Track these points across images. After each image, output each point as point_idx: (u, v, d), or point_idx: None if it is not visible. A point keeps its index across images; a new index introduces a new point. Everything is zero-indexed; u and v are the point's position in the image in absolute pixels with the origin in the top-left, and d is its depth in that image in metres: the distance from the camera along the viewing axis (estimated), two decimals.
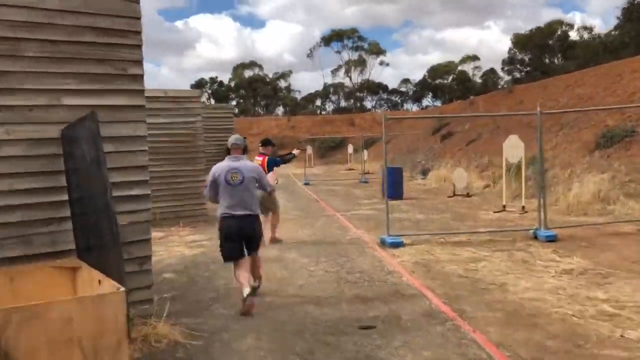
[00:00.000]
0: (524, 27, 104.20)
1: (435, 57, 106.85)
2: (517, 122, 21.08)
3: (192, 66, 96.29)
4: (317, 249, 8.31)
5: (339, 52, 61.12)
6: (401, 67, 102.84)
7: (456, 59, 62.79)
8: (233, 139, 5.47)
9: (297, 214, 12.73)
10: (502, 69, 49.81)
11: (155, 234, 9.35)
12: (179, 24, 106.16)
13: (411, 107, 61.65)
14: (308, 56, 63.62)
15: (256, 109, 63.07)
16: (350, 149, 35.79)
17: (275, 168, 8.34)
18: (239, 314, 5.06)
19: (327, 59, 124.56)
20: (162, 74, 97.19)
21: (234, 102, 62.73)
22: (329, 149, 45.50)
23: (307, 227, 10.72)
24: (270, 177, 6.86)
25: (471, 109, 30.41)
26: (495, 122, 23.60)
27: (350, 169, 34.35)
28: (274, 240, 8.72)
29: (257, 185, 5.45)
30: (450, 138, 27.16)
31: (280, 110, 63.01)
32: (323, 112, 61.92)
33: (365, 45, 59.85)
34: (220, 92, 60.27)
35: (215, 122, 17.58)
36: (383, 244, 8.42)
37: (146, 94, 4.91)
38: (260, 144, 8.63)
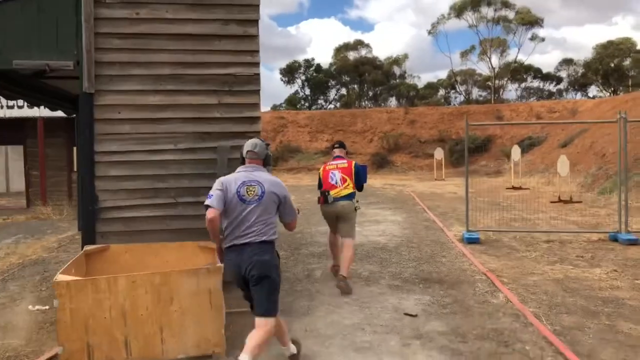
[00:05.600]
0: None
1: (555, 56, 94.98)
2: None
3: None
4: None
5: (474, 26, 46.25)
6: None
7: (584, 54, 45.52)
8: (250, 144, 3.88)
9: None
10: None
11: None
12: (291, 29, 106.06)
13: (573, 96, 45.57)
14: (430, 33, 49.35)
15: (362, 101, 49.94)
16: (515, 152, 21.46)
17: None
18: None
19: (455, 41, 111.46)
20: (275, 78, 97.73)
21: (333, 91, 50.11)
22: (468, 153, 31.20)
23: None
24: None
25: None
26: None
27: (516, 188, 20.16)
28: (344, 281, 5.91)
29: (277, 209, 3.78)
30: None
31: (392, 102, 49.55)
32: (448, 106, 47.24)
33: (511, 15, 44.48)
34: (316, 79, 47.67)
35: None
36: None
37: None
38: (337, 146, 6.74)
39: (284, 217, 3.89)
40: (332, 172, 6.47)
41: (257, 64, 5.09)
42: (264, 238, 3.66)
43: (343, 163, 6.52)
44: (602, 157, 19.85)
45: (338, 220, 6.43)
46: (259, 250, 3.62)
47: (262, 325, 3.57)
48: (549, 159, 25.67)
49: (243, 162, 3.92)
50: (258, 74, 5.10)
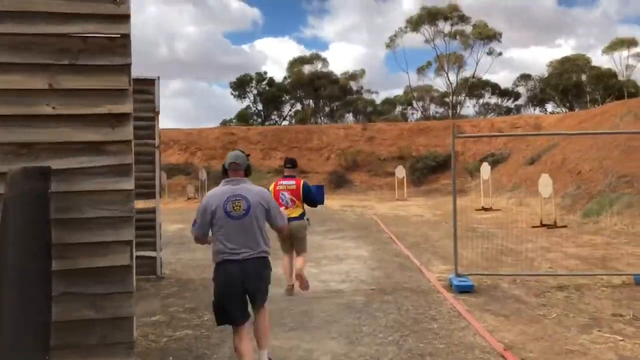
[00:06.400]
0: (597, 45, 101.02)
1: (502, 77, 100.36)
2: None
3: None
4: None
5: (430, 41, 45.07)
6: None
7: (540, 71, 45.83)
8: (232, 156, 3.99)
9: None
10: None
11: None
12: (245, 47, 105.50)
13: (532, 112, 44.80)
14: (387, 46, 47.74)
15: (318, 117, 47.87)
16: (484, 170, 19.77)
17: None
18: None
19: (413, 57, 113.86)
20: (229, 96, 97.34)
21: (287, 107, 47.65)
22: (428, 171, 29.60)
23: None
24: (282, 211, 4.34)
25: None
26: None
27: (486, 209, 18.44)
28: (291, 292, 6.62)
29: (265, 217, 3.92)
30: None
31: (349, 118, 47.62)
32: (407, 122, 45.69)
33: (469, 29, 43.47)
34: (269, 94, 45.02)
35: None
36: None
37: None
38: (289, 165, 6.76)
39: (275, 223, 4.00)
40: (282, 193, 6.51)
41: (124, 18, 2.77)
42: (261, 254, 3.85)
43: (292, 185, 6.54)
44: (577, 175, 18.32)
45: (292, 239, 6.49)
46: (261, 266, 3.86)
47: (263, 312, 4.06)
48: (517, 176, 24.16)
49: (225, 174, 3.96)
50: (128, 36, 2.78)
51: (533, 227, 13.49)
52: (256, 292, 3.88)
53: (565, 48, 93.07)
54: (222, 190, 3.85)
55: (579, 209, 15.23)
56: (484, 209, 18.63)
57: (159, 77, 8.39)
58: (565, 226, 13.33)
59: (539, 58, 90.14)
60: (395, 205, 21.99)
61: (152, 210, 8.35)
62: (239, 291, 3.79)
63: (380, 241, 11.47)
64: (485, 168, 19.66)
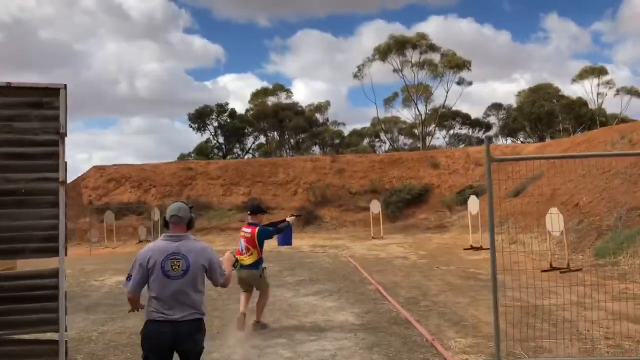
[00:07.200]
0: (552, 79, 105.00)
1: (463, 110, 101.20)
2: None
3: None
4: None
5: (398, 70, 43.77)
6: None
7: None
8: (174, 208, 3.71)
9: None
10: None
11: None
12: (207, 83, 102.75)
13: (504, 142, 43.67)
14: (355, 76, 46.14)
15: (283, 150, 45.65)
16: (473, 204, 17.72)
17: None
18: None
19: (381, 88, 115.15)
20: (191, 131, 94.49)
21: (250, 139, 45.22)
22: (404, 205, 27.54)
23: None
24: (226, 261, 4.01)
25: None
26: None
27: (476, 248, 16.38)
28: (258, 325, 6.81)
29: (206, 275, 3.69)
30: None
31: (316, 150, 45.55)
32: (378, 154, 43.94)
33: (437, 59, 42.38)
34: (231, 126, 42.49)
35: None
36: None
37: None
38: (249, 212, 7.20)
39: (214, 281, 3.79)
40: (241, 239, 6.84)
41: None
42: (196, 315, 3.62)
43: (247, 233, 6.74)
44: (575, 208, 16.49)
45: (246, 283, 6.82)
46: (194, 329, 3.60)
47: None
48: (501, 210, 22.21)
49: (166, 226, 3.76)
50: None
51: (543, 271, 11.41)
52: (189, 354, 3.61)
53: (521, 82, 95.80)
54: (161, 245, 3.66)
55: (587, 246, 13.28)
56: (474, 248, 16.57)
57: (65, 86, 5.97)
58: (580, 269, 11.32)
59: (497, 92, 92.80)
60: (372, 245, 19.76)
61: (54, 274, 5.81)
62: (165, 355, 3.55)
63: (367, 297, 9.14)
64: (473, 201, 17.65)
